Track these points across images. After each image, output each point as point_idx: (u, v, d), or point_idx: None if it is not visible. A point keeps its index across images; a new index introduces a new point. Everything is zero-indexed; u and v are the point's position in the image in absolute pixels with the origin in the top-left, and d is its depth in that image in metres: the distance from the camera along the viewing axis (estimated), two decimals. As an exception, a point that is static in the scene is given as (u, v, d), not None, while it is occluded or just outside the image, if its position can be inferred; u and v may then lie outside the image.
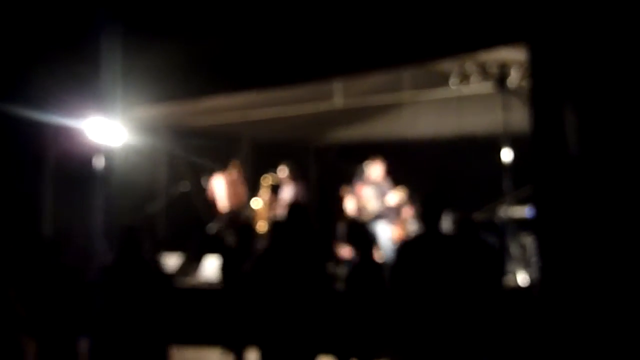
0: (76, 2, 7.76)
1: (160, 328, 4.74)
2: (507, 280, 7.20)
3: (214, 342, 7.09)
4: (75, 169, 8.66)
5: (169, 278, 6.88)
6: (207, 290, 7.69)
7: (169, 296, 5.41)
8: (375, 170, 8.58)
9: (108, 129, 8.14)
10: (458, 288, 4.43)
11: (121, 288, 4.64)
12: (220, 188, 9.81)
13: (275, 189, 9.31)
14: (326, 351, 6.38)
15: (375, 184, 8.56)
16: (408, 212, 11.08)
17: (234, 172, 9.98)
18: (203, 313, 7.30)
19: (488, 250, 5.26)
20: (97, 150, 8.36)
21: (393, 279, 4.70)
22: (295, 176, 9.09)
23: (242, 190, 9.94)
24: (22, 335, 5.19)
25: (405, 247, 5.09)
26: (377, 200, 8.47)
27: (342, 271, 6.94)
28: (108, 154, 8.35)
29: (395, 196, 8.45)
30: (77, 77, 7.88)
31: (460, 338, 4.40)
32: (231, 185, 9.85)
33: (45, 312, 5.68)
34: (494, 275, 5.22)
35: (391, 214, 8.58)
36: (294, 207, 5.42)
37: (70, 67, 7.84)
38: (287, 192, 9.06)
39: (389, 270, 5.04)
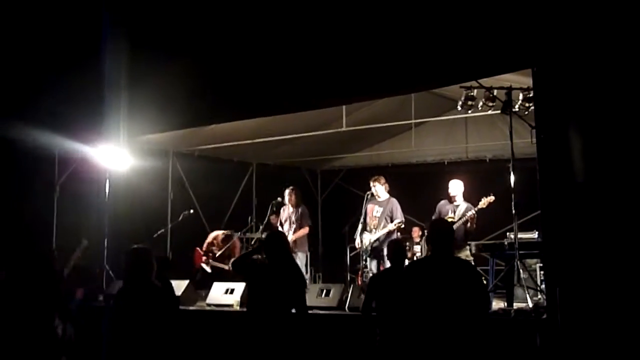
0: (82, 27, 7.81)
1: (171, 350, 4.68)
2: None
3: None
4: (82, 193, 8.67)
5: (177, 301, 6.86)
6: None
7: (179, 318, 5.38)
8: (380, 188, 8.56)
9: (114, 154, 8.17)
10: (465, 309, 4.37)
11: (132, 311, 4.59)
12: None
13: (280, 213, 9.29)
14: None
15: (382, 202, 8.53)
16: (416, 233, 11.06)
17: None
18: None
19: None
20: (103, 174, 8.40)
21: (401, 297, 4.64)
22: (298, 201, 9.08)
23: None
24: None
25: (412, 268, 5.09)
26: (385, 220, 8.41)
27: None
28: (114, 178, 8.38)
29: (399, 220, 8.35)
30: (84, 103, 7.91)
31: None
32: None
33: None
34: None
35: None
36: (269, 235, 5.62)
37: (78, 93, 7.88)
38: (291, 217, 9.03)
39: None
